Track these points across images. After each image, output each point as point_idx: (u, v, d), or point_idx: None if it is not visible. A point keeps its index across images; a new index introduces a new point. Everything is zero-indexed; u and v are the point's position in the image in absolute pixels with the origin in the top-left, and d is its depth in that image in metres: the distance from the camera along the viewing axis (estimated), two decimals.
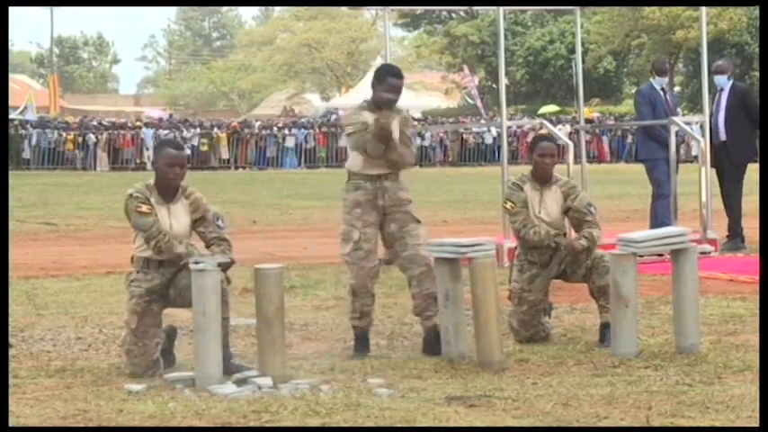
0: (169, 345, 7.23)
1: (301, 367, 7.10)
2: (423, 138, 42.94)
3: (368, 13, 74.73)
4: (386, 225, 7.58)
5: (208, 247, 7.13)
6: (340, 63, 77.36)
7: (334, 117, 49.81)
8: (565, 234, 8.10)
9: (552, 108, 53.43)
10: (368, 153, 7.48)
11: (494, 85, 62.68)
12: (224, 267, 6.81)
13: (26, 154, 42.52)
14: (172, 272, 7.03)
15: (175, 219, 7.08)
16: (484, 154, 45.68)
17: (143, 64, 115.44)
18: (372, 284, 7.57)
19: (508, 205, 8.03)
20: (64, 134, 43.23)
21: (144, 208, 7.00)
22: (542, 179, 8.03)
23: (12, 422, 5.76)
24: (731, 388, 6.30)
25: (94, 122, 46.56)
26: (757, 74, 46.09)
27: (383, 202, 7.53)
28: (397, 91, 7.60)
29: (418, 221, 7.61)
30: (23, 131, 42.76)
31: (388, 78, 7.59)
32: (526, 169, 8.23)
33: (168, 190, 7.10)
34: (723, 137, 13.62)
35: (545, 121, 16.11)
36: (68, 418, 5.86)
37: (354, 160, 7.59)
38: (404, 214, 7.56)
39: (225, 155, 44.11)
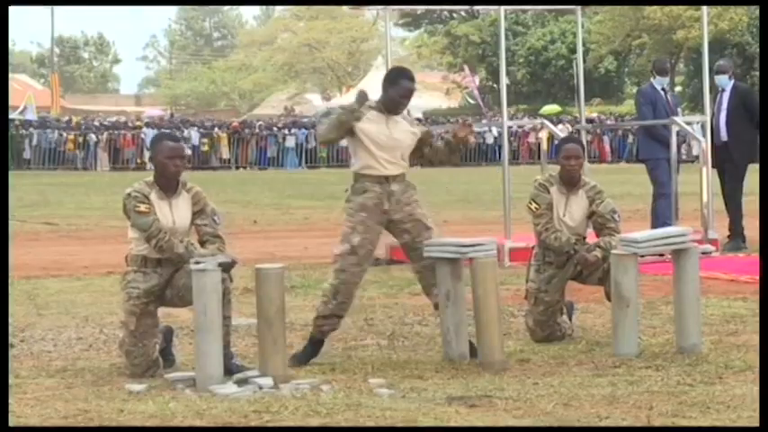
0: (167, 345, 7.22)
1: (302, 367, 7.10)
2: None
3: (369, 12, 74.61)
4: (398, 235, 7.43)
5: (201, 242, 7.08)
6: (341, 63, 77.38)
7: None
8: (585, 238, 8.08)
9: (555, 109, 53.39)
10: (320, 133, 7.43)
11: (495, 85, 62.64)
12: (225, 267, 6.79)
13: (27, 154, 42.54)
14: (170, 272, 7.01)
15: (177, 213, 7.04)
16: (485, 154, 45.68)
17: (144, 64, 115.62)
18: (356, 291, 7.42)
19: (533, 206, 7.99)
20: (65, 134, 43.26)
21: (142, 207, 6.96)
22: (569, 182, 7.99)
23: (12, 422, 5.76)
24: (732, 388, 6.29)
25: (95, 122, 46.56)
26: (758, 74, 46.04)
27: (389, 206, 7.34)
28: (411, 95, 7.42)
29: (429, 228, 7.41)
30: (24, 131, 42.78)
31: (403, 81, 7.37)
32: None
33: (169, 184, 7.06)
34: (724, 137, 13.62)
35: (546, 121, 16.10)
36: (69, 418, 5.86)
37: (359, 161, 7.38)
38: (415, 222, 7.37)
39: (225, 155, 44.13)
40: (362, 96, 7.34)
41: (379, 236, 7.47)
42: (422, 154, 7.62)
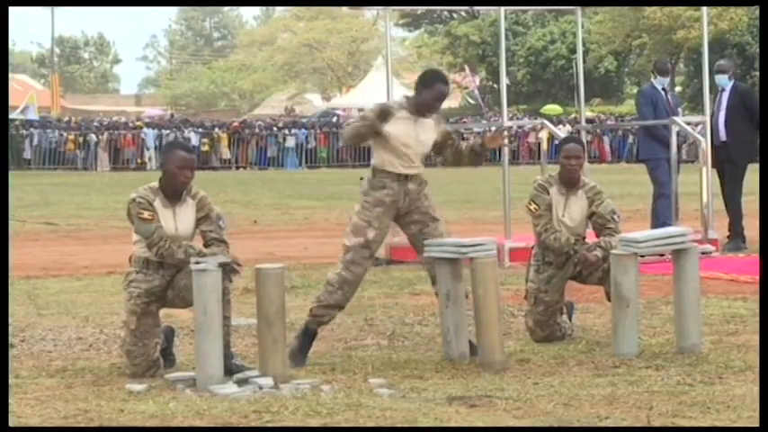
0: (168, 345, 7.22)
1: (302, 367, 7.10)
2: None
3: (369, 13, 74.72)
4: (405, 226, 7.53)
5: (206, 246, 7.10)
6: (341, 63, 77.39)
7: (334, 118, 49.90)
8: (584, 238, 8.08)
9: (555, 109, 53.35)
10: (344, 136, 7.58)
11: (495, 85, 62.64)
12: (225, 265, 6.80)
13: (27, 154, 42.56)
14: (171, 273, 7.02)
15: (181, 221, 7.04)
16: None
17: (144, 64, 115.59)
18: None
19: (532, 207, 7.99)
20: (65, 134, 43.27)
21: (146, 214, 6.96)
22: (569, 182, 7.99)
23: (12, 422, 5.76)
24: (732, 388, 6.30)
25: (95, 122, 46.59)
26: (758, 74, 46.04)
27: (402, 204, 7.42)
28: (444, 98, 7.51)
29: (436, 219, 7.51)
30: (24, 131, 42.80)
31: (438, 84, 7.43)
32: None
33: (175, 192, 7.06)
34: (723, 137, 13.61)
35: (546, 121, 16.09)
36: (69, 418, 5.86)
37: (380, 157, 7.39)
38: (422, 215, 7.47)
39: (226, 155, 44.13)
40: (385, 112, 7.36)
41: (388, 231, 7.61)
42: (443, 156, 7.69)
